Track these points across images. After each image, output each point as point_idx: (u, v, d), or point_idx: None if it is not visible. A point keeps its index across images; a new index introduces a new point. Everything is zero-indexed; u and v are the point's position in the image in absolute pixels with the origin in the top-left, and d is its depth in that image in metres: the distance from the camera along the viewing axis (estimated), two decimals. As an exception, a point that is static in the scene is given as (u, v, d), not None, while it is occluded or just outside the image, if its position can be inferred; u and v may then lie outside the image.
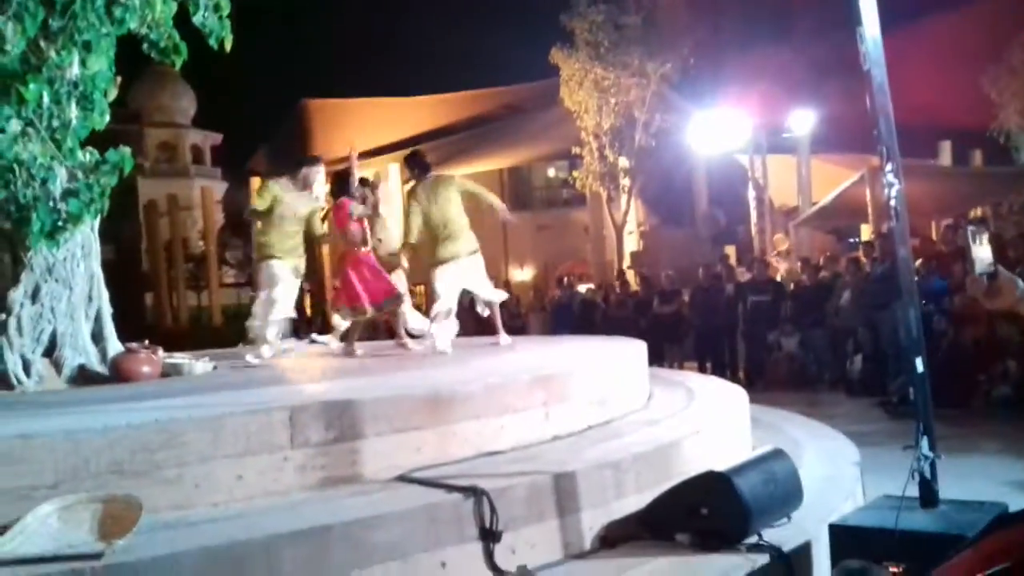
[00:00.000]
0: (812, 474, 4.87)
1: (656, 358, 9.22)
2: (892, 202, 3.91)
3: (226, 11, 5.45)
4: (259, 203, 6.55)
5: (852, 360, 10.90)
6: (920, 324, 3.99)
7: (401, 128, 27.22)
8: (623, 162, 20.34)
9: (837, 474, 5.20)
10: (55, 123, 5.04)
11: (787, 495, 3.99)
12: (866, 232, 16.09)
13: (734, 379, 9.82)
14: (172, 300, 26.06)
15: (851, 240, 19.72)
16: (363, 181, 7.36)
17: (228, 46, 5.48)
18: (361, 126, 26.26)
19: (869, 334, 10.52)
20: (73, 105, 5.10)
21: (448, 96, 28.83)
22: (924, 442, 3.75)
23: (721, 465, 3.86)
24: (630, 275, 17.56)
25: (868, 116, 3.90)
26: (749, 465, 3.92)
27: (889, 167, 3.86)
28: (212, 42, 5.43)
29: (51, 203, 4.96)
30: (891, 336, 9.29)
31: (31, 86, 4.75)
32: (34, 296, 5.18)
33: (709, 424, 4.86)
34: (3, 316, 5.12)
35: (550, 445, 4.37)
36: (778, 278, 13.99)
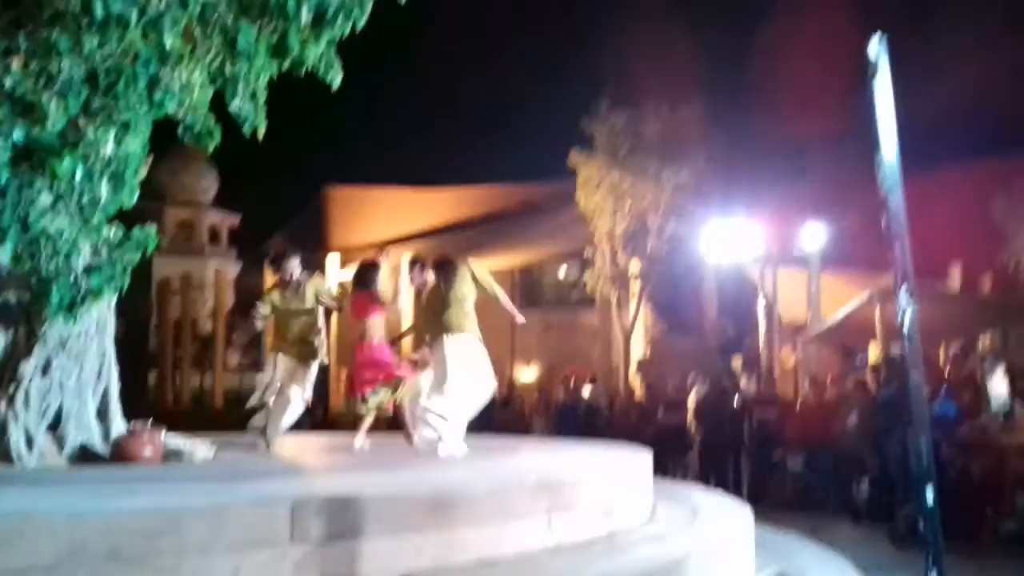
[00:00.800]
0: (818, 603, 4.74)
1: (659, 468, 9.09)
2: (905, 327, 3.91)
3: (263, 99, 5.60)
4: (263, 309, 7.20)
5: (859, 485, 10.71)
6: (931, 453, 3.94)
7: (419, 219, 27.61)
8: (634, 266, 20.51)
9: (843, 604, 5.06)
10: (85, 199, 5.12)
11: (793, 624, 3.88)
12: (874, 352, 16.05)
13: (738, 495, 9.65)
14: (176, 379, 25.97)
15: (859, 357, 19.65)
16: (415, 261, 7.26)
17: (261, 133, 5.62)
18: (378, 216, 26.67)
19: (876, 459, 10.38)
20: (104, 182, 5.19)
21: (465, 191, 29.31)
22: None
23: (726, 588, 3.77)
24: (635, 381, 17.49)
25: (879, 233, 3.94)
26: (755, 590, 3.82)
27: (903, 290, 3.88)
28: (246, 129, 5.56)
29: (72, 277, 5.01)
30: (899, 462, 9.16)
31: (65, 161, 4.85)
32: (44, 370, 5.17)
33: (714, 542, 4.77)
34: (12, 388, 5.10)
35: (552, 556, 4.27)
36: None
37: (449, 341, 6.38)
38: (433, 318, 6.57)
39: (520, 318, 7.08)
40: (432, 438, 6.22)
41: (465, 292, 6.58)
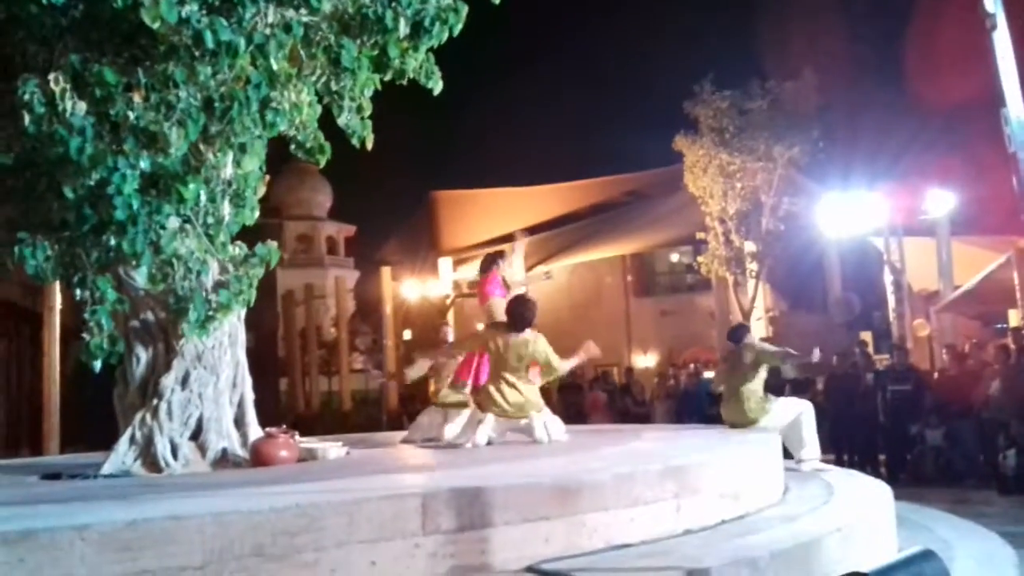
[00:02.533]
0: (967, 578, 4.55)
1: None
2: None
3: (368, 112, 5.79)
4: None
5: (1004, 455, 10.18)
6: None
7: (525, 216, 27.74)
8: (749, 246, 20.06)
9: (994, 579, 4.84)
10: (210, 220, 5.41)
11: (939, 601, 3.74)
12: (1014, 318, 15.22)
13: (874, 473, 9.33)
14: (305, 385, 26.95)
15: (998, 326, 18.67)
16: (498, 254, 7.64)
17: (369, 144, 5.80)
18: (487, 216, 26.98)
19: (1022, 426, 9.85)
20: (227, 203, 5.47)
21: (572, 184, 29.34)
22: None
23: (865, 566, 3.65)
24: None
25: (1011, 197, 3.75)
26: (897, 567, 3.67)
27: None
28: (354, 141, 5.76)
29: (204, 294, 5.30)
30: (1048, 429, 8.68)
31: (190, 186, 5.12)
32: (184, 383, 5.47)
33: (851, 521, 4.62)
34: (155, 401, 5.41)
35: (682, 539, 4.24)
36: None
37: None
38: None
39: (597, 351, 7.04)
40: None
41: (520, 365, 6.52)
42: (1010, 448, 10.06)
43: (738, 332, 7.49)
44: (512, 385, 6.32)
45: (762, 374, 7.07)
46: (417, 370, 7.54)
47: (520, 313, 6.39)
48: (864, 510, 5.05)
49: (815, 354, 7.35)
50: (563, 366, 6.65)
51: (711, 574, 3.62)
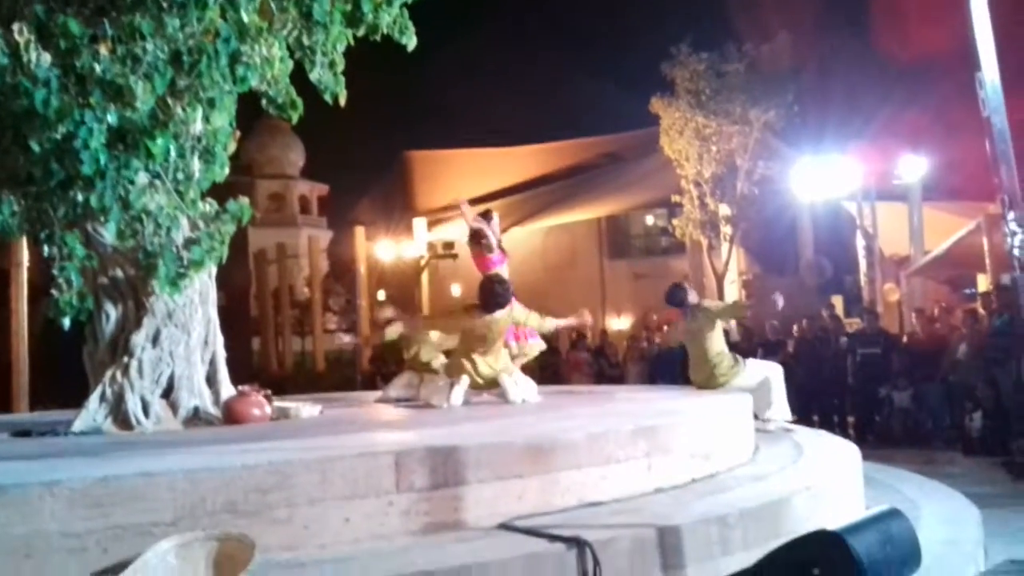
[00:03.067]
0: (931, 536, 4.65)
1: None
2: (1015, 252, 3.76)
3: (341, 67, 5.69)
4: None
5: (971, 417, 10.37)
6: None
7: (500, 178, 27.69)
8: (724, 210, 20.13)
9: (958, 537, 4.95)
10: (179, 176, 5.31)
11: (905, 557, 3.80)
12: (983, 283, 15.42)
13: (843, 434, 9.47)
14: (278, 345, 26.85)
15: (967, 291, 18.94)
16: (483, 214, 7.68)
17: (342, 101, 5.72)
18: (461, 176, 26.84)
19: (989, 390, 10.01)
20: (196, 158, 5.38)
21: (547, 146, 29.22)
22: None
23: (833, 524, 3.72)
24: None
25: (983, 163, 3.77)
26: (864, 524, 3.75)
27: (1011, 215, 3.73)
28: (327, 97, 5.67)
29: (175, 251, 5.22)
30: (1014, 392, 8.83)
31: (159, 141, 5.01)
32: (155, 340, 5.41)
33: (820, 480, 4.70)
34: (126, 359, 5.36)
35: (653, 497, 4.30)
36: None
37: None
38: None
39: (589, 319, 7.07)
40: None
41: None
42: (976, 411, 10.24)
43: (677, 294, 7.19)
44: (483, 357, 6.32)
45: (720, 332, 7.08)
46: (393, 331, 7.54)
47: (492, 292, 6.28)
48: (832, 470, 5.13)
49: (778, 301, 7.32)
50: (549, 325, 6.66)
51: (681, 531, 3.67)
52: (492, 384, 6.38)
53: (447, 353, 7.05)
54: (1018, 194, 3.65)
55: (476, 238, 7.53)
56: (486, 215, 7.87)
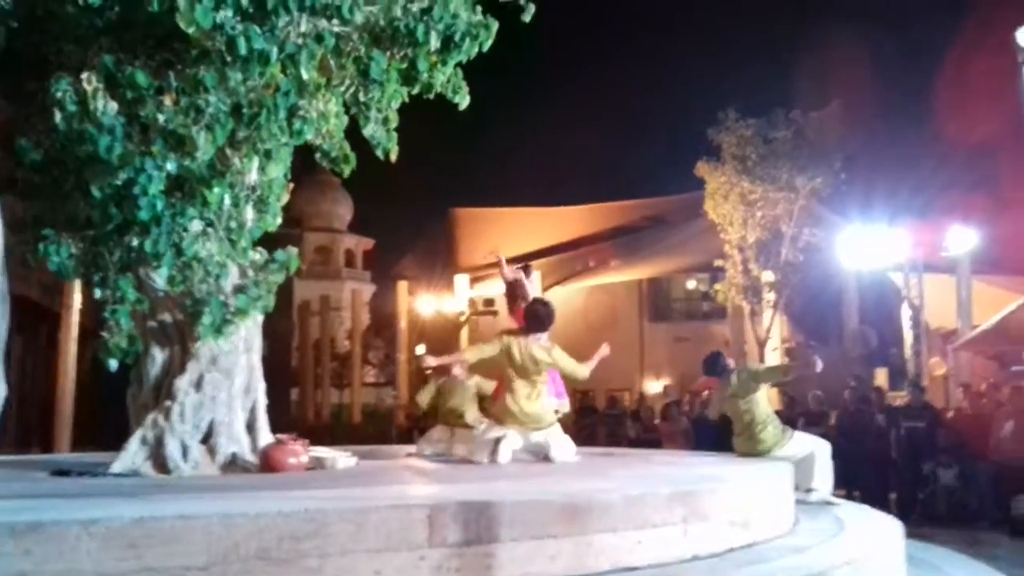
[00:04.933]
0: (976, 619, 4.49)
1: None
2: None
3: (394, 124, 5.83)
4: None
5: (1017, 498, 10.06)
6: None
7: (544, 237, 27.86)
8: (767, 276, 19.99)
9: (1004, 621, 4.77)
10: (232, 224, 5.44)
11: (949, 640, 3.69)
12: (1032, 359, 15.08)
13: (885, 510, 9.23)
14: (316, 396, 26.99)
15: (1015, 368, 18.51)
16: (522, 268, 7.84)
17: (394, 156, 5.84)
18: (505, 234, 27.02)
19: (1037, 470, 9.74)
20: (250, 208, 5.51)
21: (592, 207, 29.42)
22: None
23: (874, 600, 3.62)
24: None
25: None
26: (906, 603, 3.66)
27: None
28: (379, 153, 5.80)
29: (222, 298, 5.33)
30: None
31: (215, 189, 5.17)
32: (198, 385, 5.48)
33: (861, 555, 4.58)
34: (168, 403, 5.43)
35: (690, 565, 4.21)
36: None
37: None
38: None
39: (607, 351, 6.98)
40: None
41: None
42: (1022, 492, 9.93)
43: (716, 361, 6.98)
44: (528, 395, 6.28)
45: (763, 398, 6.92)
46: (427, 393, 7.57)
47: (536, 313, 6.34)
48: (874, 545, 4.99)
49: (817, 364, 7.09)
50: (583, 371, 6.59)
51: (717, 601, 3.59)
52: (537, 425, 6.29)
53: (482, 405, 7.03)
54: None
55: (512, 290, 7.56)
56: (525, 269, 7.93)
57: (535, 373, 6.31)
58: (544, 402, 6.38)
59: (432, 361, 6.80)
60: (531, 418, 6.27)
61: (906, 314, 18.71)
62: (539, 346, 6.28)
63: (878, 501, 11.36)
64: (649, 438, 14.58)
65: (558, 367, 6.44)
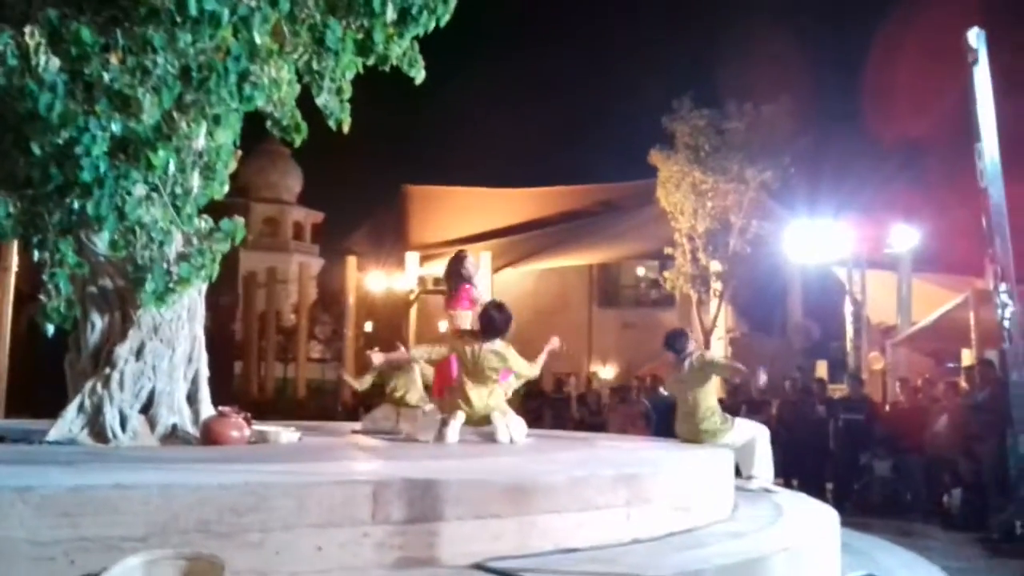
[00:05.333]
0: (906, 607, 4.59)
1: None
2: (1005, 323, 3.77)
3: (348, 95, 5.73)
4: None
5: (950, 492, 10.34)
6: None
7: (496, 218, 27.78)
8: (716, 266, 20.23)
9: (933, 609, 4.89)
10: (178, 190, 5.30)
11: (880, 626, 3.77)
12: (967, 357, 15.48)
13: (822, 499, 9.42)
14: (260, 370, 26.67)
15: (950, 365, 19.04)
16: (456, 257, 7.64)
17: (346, 128, 5.74)
18: (457, 213, 26.94)
19: (969, 464, 10.00)
20: (196, 174, 5.37)
21: (544, 190, 29.40)
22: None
23: (811, 586, 3.68)
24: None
25: (974, 236, 3.80)
26: (841, 589, 3.72)
27: (1004, 287, 3.75)
28: (332, 123, 5.69)
29: (165, 265, 5.19)
30: (993, 468, 8.81)
31: (160, 153, 5.01)
32: (138, 354, 5.35)
33: (798, 542, 4.65)
34: (107, 370, 5.30)
35: (630, 548, 4.23)
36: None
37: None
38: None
39: (556, 345, 6.93)
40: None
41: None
42: (955, 486, 10.21)
43: (680, 340, 7.02)
44: (480, 395, 6.23)
45: (713, 387, 7.01)
46: (366, 381, 7.54)
47: (492, 320, 6.25)
48: (811, 532, 5.08)
49: (761, 377, 7.17)
50: (535, 371, 6.59)
51: (657, 584, 3.61)
52: (482, 420, 6.29)
53: (427, 388, 6.99)
54: (1011, 266, 3.67)
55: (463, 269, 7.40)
56: (459, 258, 7.60)
57: (489, 377, 6.28)
58: (495, 397, 6.34)
59: (379, 359, 6.71)
60: (478, 413, 6.24)
61: (848, 309, 19.09)
62: (493, 352, 6.21)
63: (815, 490, 11.62)
64: (594, 421, 14.69)
65: (511, 369, 6.40)
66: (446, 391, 6.57)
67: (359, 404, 15.80)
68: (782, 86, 20.87)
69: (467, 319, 7.00)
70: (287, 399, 23.41)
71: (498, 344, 6.24)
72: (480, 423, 6.28)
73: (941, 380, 13.21)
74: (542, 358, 6.70)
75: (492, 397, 6.30)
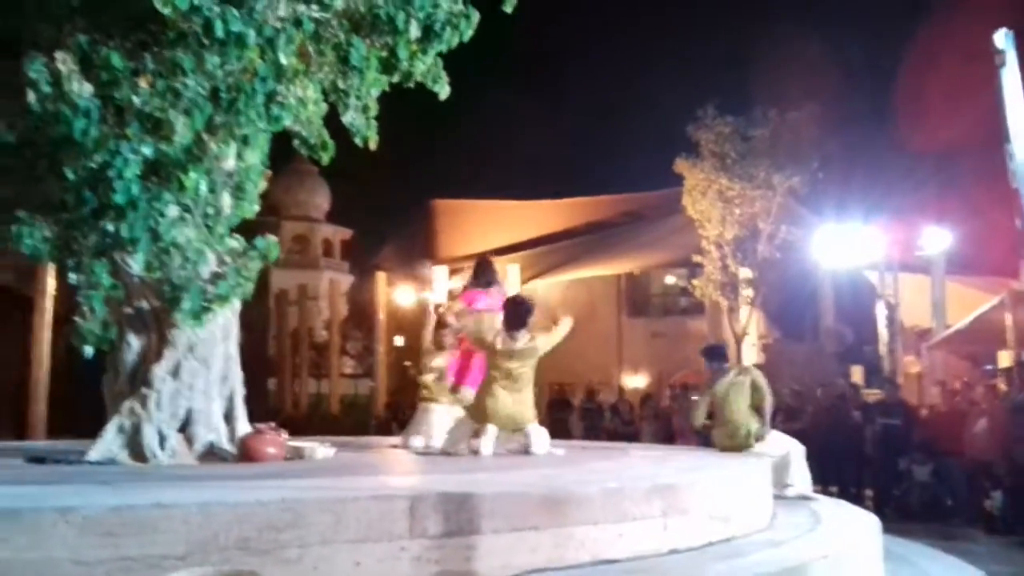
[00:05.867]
0: (951, 613, 4.52)
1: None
2: (1044, 325, 3.70)
3: (374, 112, 5.77)
4: None
5: (990, 495, 10.17)
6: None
7: (523, 230, 27.79)
8: (745, 272, 20.08)
9: (979, 615, 4.81)
10: (209, 210, 5.36)
11: (926, 633, 3.71)
12: (1004, 359, 15.24)
13: (860, 506, 9.30)
14: (294, 386, 26.85)
15: (988, 367, 18.75)
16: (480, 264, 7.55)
17: (373, 145, 5.78)
18: (484, 226, 26.97)
19: (1007, 467, 9.84)
20: (227, 194, 5.44)
21: (570, 201, 29.37)
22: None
23: (853, 594, 3.63)
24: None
25: (1008, 237, 3.75)
26: (884, 597, 3.67)
27: (1042, 287, 3.68)
28: (358, 141, 5.74)
29: (200, 285, 5.25)
30: (1036, 470, 8.67)
31: (191, 175, 5.08)
32: (175, 373, 5.40)
33: (838, 549, 4.60)
34: (145, 390, 5.35)
35: (668, 558, 4.21)
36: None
37: None
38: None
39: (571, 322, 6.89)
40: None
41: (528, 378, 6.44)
42: (996, 489, 10.04)
43: (719, 352, 7.32)
44: (510, 399, 6.17)
45: (749, 397, 7.03)
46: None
47: (515, 311, 6.22)
48: (851, 539, 5.02)
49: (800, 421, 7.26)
50: (557, 336, 6.43)
51: (697, 594, 3.59)
52: (517, 425, 6.20)
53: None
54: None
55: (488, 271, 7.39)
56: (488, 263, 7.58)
57: (519, 376, 6.20)
58: (527, 403, 6.29)
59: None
60: (511, 419, 6.20)
61: (881, 312, 18.88)
62: (527, 345, 6.17)
63: (854, 497, 11.48)
64: (627, 431, 14.64)
65: (540, 352, 6.32)
66: (476, 395, 6.50)
67: (393, 418, 15.84)
68: (809, 92, 20.73)
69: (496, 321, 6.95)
70: (321, 415, 23.52)
71: (527, 337, 6.18)
72: (512, 429, 6.22)
73: (979, 383, 13.03)
74: (562, 329, 6.57)
75: (523, 402, 6.23)
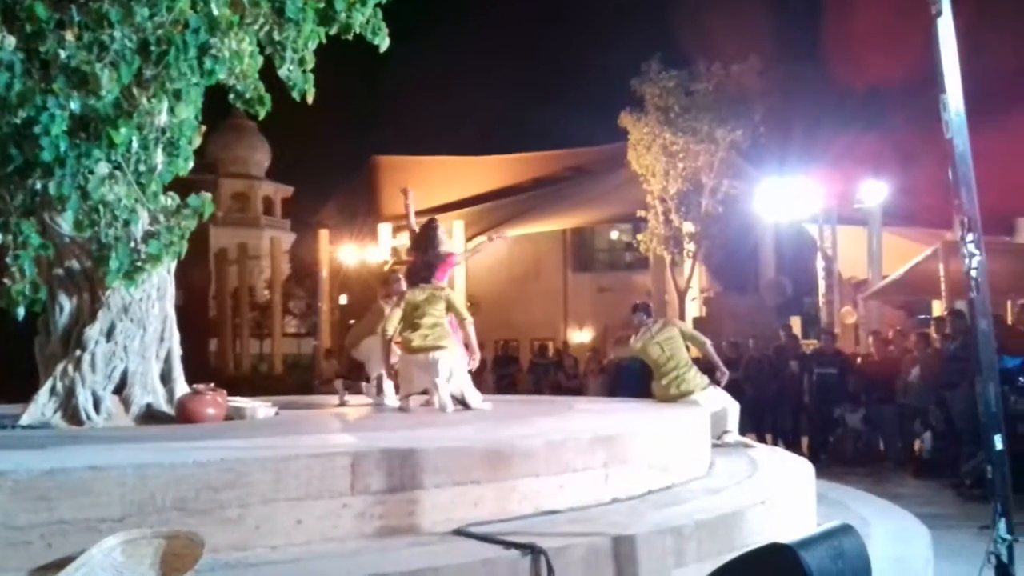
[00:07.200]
0: (881, 554, 4.70)
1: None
2: (972, 273, 3.81)
3: (311, 65, 5.64)
4: None
5: (921, 439, 10.54)
6: (1000, 400, 3.86)
7: (467, 186, 27.67)
8: (688, 227, 20.29)
9: (907, 555, 5.01)
10: (141, 167, 5.21)
11: (855, 572, 3.83)
12: (937, 309, 15.71)
13: (796, 453, 9.57)
14: (235, 347, 26.55)
15: (921, 316, 19.30)
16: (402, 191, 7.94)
17: (310, 99, 5.66)
18: (427, 183, 26.71)
19: (940, 413, 10.18)
20: (159, 150, 5.28)
21: (514, 156, 29.29)
22: (1002, 524, 3.60)
23: (786, 538, 3.74)
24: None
25: (942, 189, 3.82)
26: (816, 539, 3.77)
27: (970, 237, 3.78)
28: (295, 95, 5.60)
29: (131, 244, 5.12)
30: (964, 415, 8.98)
31: (122, 130, 4.92)
32: (109, 334, 5.30)
33: (774, 495, 4.73)
34: (78, 352, 5.24)
35: (610, 507, 4.29)
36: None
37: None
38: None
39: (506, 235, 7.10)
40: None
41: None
42: (926, 433, 10.40)
43: (641, 306, 7.69)
44: (424, 320, 6.21)
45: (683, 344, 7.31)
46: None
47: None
48: (786, 485, 5.17)
49: (724, 378, 7.43)
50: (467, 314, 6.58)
51: (636, 541, 3.67)
52: (432, 344, 6.18)
53: None
54: (977, 217, 3.71)
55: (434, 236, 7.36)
56: (403, 192, 7.96)
57: (432, 310, 6.26)
58: (445, 328, 6.31)
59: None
60: (427, 339, 6.17)
61: (820, 264, 19.26)
62: (437, 286, 6.43)
63: (791, 445, 11.80)
64: (573, 386, 14.80)
65: (452, 307, 6.40)
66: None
67: (336, 377, 15.76)
68: (750, 46, 20.83)
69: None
70: (264, 375, 23.35)
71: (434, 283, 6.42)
72: (426, 349, 6.16)
73: (912, 332, 13.40)
74: (482, 242, 6.73)
75: (438, 323, 6.25)
